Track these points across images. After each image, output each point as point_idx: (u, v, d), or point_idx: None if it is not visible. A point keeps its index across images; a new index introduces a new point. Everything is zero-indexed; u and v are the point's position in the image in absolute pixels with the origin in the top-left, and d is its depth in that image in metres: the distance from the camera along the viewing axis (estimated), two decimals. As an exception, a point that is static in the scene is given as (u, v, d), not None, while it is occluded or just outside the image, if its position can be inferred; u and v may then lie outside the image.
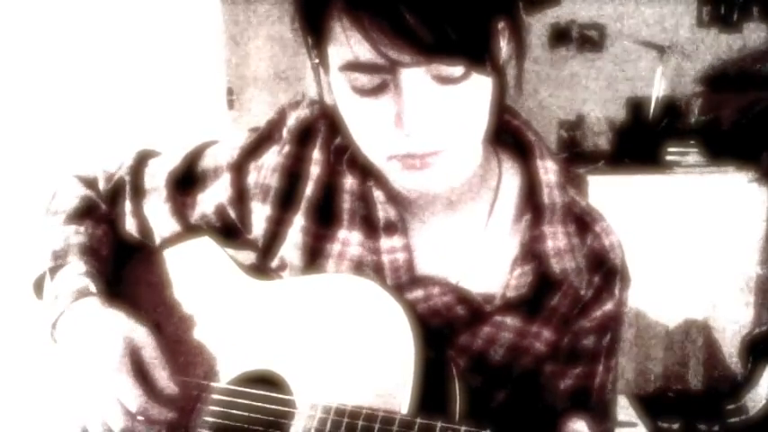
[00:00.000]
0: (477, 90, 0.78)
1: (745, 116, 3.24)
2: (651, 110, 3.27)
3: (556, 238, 0.90)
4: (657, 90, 3.25)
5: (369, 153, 0.84)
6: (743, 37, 3.49)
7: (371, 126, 0.79)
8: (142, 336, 0.90)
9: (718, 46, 3.49)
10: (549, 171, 0.92)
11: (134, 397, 0.85)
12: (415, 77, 0.74)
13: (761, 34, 3.49)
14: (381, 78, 0.75)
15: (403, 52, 0.71)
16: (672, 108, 3.35)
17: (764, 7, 3.43)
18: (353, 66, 0.75)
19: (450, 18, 0.70)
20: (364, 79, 0.76)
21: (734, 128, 3.26)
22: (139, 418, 0.86)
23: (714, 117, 3.35)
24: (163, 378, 0.89)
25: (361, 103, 0.78)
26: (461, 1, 0.71)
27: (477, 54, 0.74)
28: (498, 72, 0.79)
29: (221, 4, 2.78)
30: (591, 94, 3.54)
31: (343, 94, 0.80)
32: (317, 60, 0.82)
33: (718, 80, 3.41)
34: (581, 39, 3.53)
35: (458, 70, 0.75)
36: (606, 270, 0.92)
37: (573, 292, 0.91)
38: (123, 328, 0.90)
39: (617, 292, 0.93)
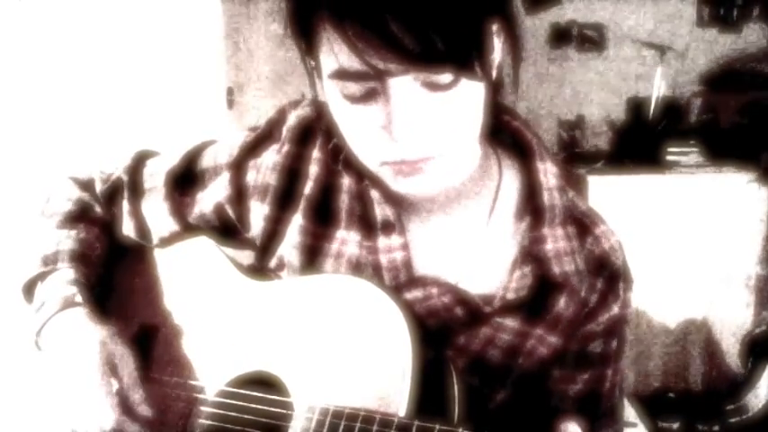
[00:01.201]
0: (468, 95, 0.77)
1: (745, 116, 3.24)
2: (651, 110, 3.27)
3: (556, 241, 0.90)
4: (657, 90, 3.24)
5: (362, 158, 0.84)
6: (743, 37, 3.48)
7: (363, 133, 0.79)
8: (121, 354, 0.90)
9: (718, 46, 3.49)
10: (548, 173, 0.92)
11: (110, 413, 0.86)
12: (404, 85, 0.74)
13: (761, 34, 3.49)
14: (370, 86, 0.75)
15: (389, 61, 0.71)
16: (672, 108, 3.35)
17: (764, 7, 3.42)
18: (341, 74, 0.75)
19: (437, 26, 0.70)
20: (353, 87, 0.75)
21: (734, 128, 3.26)
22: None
23: (714, 117, 3.35)
24: (137, 400, 0.89)
25: (352, 110, 0.78)
26: (449, 7, 0.70)
27: (465, 61, 0.73)
28: (489, 76, 0.79)
29: (221, 3, 2.78)
30: (591, 94, 3.54)
31: (334, 100, 0.80)
32: (312, 63, 0.82)
33: (718, 80, 3.41)
34: (581, 39, 3.52)
35: (446, 77, 0.74)
36: (609, 274, 0.92)
37: (577, 297, 0.90)
38: (105, 346, 0.90)
39: (621, 293, 0.93)
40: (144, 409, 0.89)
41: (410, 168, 0.80)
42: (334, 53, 0.73)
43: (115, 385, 0.88)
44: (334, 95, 0.79)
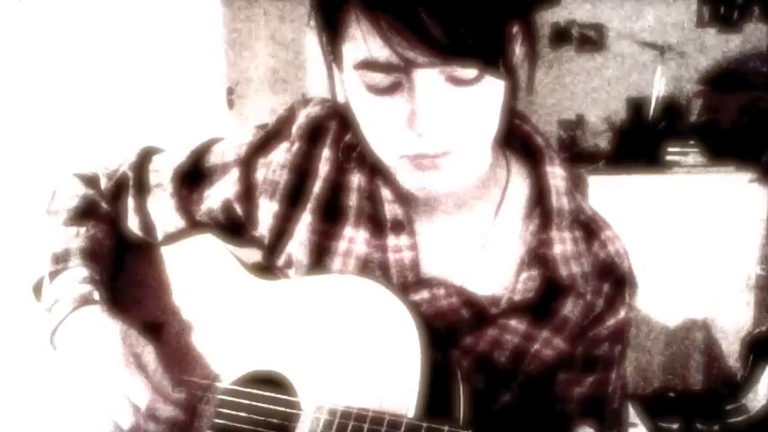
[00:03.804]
0: (490, 92, 0.78)
1: (745, 116, 3.24)
2: (651, 110, 3.27)
3: (563, 244, 0.90)
4: (657, 90, 3.25)
5: (380, 152, 0.84)
6: (743, 37, 3.49)
7: (384, 125, 0.80)
8: (143, 348, 0.90)
9: (718, 46, 3.49)
10: (557, 177, 0.93)
11: (142, 392, 0.85)
12: (429, 78, 0.75)
13: (761, 34, 3.49)
14: (395, 78, 0.76)
15: (418, 53, 0.72)
16: (672, 108, 3.35)
17: (764, 7, 3.43)
18: (368, 64, 0.75)
19: (466, 21, 0.71)
20: (378, 78, 0.76)
21: (734, 128, 3.26)
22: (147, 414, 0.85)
23: (714, 117, 3.35)
24: (163, 389, 0.88)
25: (375, 101, 0.78)
26: (477, 4, 0.72)
27: (492, 57, 0.74)
28: (511, 75, 0.80)
29: (221, 4, 2.78)
30: (591, 94, 3.54)
31: (356, 92, 0.80)
32: (331, 57, 0.82)
33: (719, 80, 3.41)
34: (581, 39, 3.53)
35: (471, 72, 0.75)
36: (616, 278, 0.92)
37: (583, 301, 0.91)
38: (126, 339, 0.89)
39: (627, 298, 0.94)
40: (172, 396, 0.88)
41: (429, 163, 0.80)
42: (364, 42, 0.74)
43: (142, 378, 0.87)
44: (356, 87, 0.79)
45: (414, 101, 0.76)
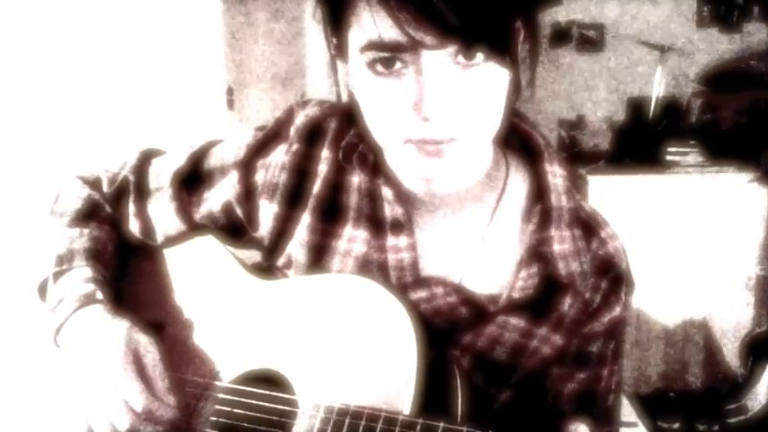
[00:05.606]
0: (495, 79, 0.78)
1: (745, 116, 3.24)
2: (651, 110, 3.27)
3: (563, 242, 0.91)
4: (657, 90, 3.25)
5: (385, 137, 0.84)
6: (743, 37, 3.49)
7: (389, 109, 0.79)
8: (146, 345, 0.90)
9: (718, 46, 3.50)
10: (557, 175, 0.93)
11: (139, 396, 0.85)
12: (437, 60, 0.75)
13: (761, 34, 3.50)
14: (402, 60, 0.76)
15: (427, 33, 0.72)
16: (672, 108, 3.35)
17: (764, 7, 3.43)
18: (376, 45, 0.75)
19: (476, 3, 0.72)
20: (385, 60, 0.76)
21: (734, 128, 3.27)
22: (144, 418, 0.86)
23: (714, 117, 3.36)
24: (162, 389, 0.89)
25: (380, 85, 0.78)
26: None
27: (499, 41, 0.75)
28: (516, 65, 0.80)
29: (221, 3, 2.78)
30: (591, 94, 3.55)
31: (362, 76, 0.80)
32: (333, 52, 0.83)
33: (718, 80, 3.42)
34: (581, 39, 3.53)
35: (478, 56, 0.76)
36: (613, 276, 0.93)
37: (581, 298, 0.91)
38: (128, 336, 0.90)
39: (623, 296, 0.94)
40: (167, 400, 0.88)
41: (434, 149, 0.80)
42: (373, 22, 0.74)
43: (140, 380, 0.87)
44: (362, 71, 0.79)
45: (421, 84, 0.76)
